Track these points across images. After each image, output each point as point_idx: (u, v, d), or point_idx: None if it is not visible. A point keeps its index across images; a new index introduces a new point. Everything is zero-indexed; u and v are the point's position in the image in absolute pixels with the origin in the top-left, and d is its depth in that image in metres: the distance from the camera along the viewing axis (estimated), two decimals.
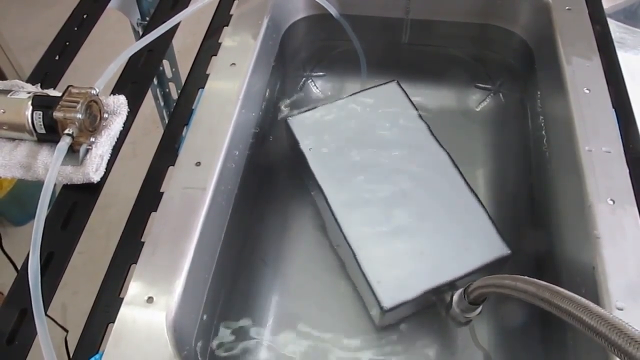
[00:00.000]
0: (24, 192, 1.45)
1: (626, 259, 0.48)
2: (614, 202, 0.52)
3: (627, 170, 0.54)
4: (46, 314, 0.46)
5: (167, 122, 0.65)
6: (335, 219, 0.61)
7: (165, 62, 1.02)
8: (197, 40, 0.71)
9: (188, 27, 0.85)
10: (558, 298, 0.36)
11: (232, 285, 0.63)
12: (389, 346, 0.61)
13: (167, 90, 1.09)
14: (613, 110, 0.59)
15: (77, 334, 0.47)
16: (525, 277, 0.42)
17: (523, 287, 0.41)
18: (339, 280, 0.65)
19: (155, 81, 1.06)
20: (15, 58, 1.64)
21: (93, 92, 0.56)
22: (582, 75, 0.62)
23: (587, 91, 0.60)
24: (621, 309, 0.45)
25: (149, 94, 1.07)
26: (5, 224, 1.55)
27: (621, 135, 0.57)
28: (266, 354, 0.60)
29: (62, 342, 0.63)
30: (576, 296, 0.35)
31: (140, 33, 0.94)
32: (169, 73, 1.05)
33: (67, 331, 0.72)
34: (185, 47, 1.01)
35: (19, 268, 0.51)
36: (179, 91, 0.65)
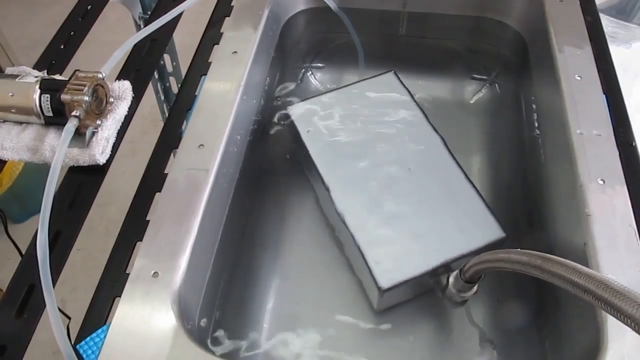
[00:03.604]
0: (24, 189, 1.45)
1: (615, 235, 0.50)
2: (604, 181, 0.53)
3: (617, 153, 0.56)
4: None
5: (167, 115, 0.66)
6: (334, 203, 0.62)
7: (166, 57, 1.04)
8: (196, 41, 0.72)
9: (187, 27, 0.86)
10: (549, 263, 0.38)
11: (233, 266, 0.64)
12: (386, 328, 0.62)
13: (168, 84, 1.10)
14: (604, 95, 0.61)
15: (78, 325, 0.48)
16: (518, 249, 0.44)
17: (516, 258, 0.43)
18: (338, 266, 0.66)
19: (155, 75, 1.07)
20: (15, 57, 1.65)
21: (100, 76, 0.57)
22: (573, 63, 0.64)
23: (579, 78, 0.62)
24: None
25: (150, 90, 1.08)
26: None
27: (611, 119, 0.59)
28: (266, 333, 0.61)
29: (65, 330, 0.64)
30: (565, 260, 0.37)
31: (142, 27, 0.96)
32: (169, 67, 1.07)
33: (69, 318, 0.72)
34: (184, 47, 1.02)
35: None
36: (180, 83, 0.67)
